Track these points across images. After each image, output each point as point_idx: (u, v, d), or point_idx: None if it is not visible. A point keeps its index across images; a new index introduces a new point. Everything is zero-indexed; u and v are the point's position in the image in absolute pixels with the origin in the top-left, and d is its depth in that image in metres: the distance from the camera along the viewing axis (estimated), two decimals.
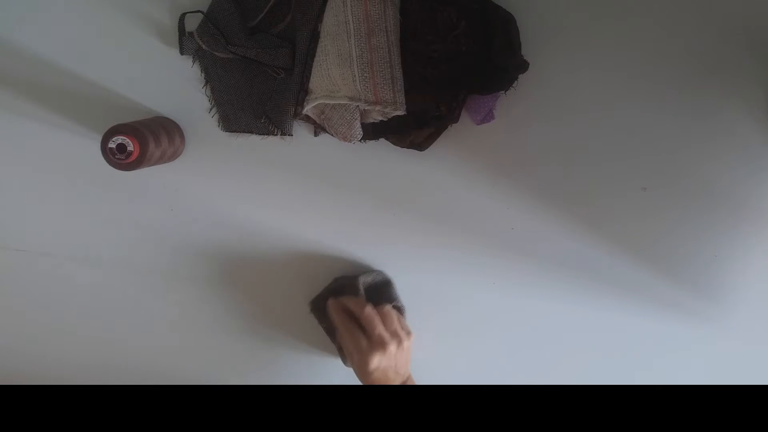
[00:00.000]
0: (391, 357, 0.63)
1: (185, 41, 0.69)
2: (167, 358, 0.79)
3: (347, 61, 0.64)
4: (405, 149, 0.72)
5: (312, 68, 0.67)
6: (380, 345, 0.63)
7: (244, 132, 0.72)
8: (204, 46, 0.68)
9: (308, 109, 0.67)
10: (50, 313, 0.78)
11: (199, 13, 0.68)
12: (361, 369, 0.63)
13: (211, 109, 0.72)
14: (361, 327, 0.65)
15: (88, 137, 0.72)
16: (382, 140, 0.72)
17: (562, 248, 0.75)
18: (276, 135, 0.72)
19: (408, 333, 0.67)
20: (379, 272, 0.74)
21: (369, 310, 0.66)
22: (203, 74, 0.71)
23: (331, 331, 0.73)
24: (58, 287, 0.77)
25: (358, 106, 0.65)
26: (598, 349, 0.78)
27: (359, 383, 0.66)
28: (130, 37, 0.70)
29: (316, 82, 0.67)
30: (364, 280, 0.71)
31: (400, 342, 0.65)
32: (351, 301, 0.68)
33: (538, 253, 0.75)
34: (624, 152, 0.72)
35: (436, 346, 0.76)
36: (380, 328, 0.65)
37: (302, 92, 0.69)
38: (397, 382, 0.64)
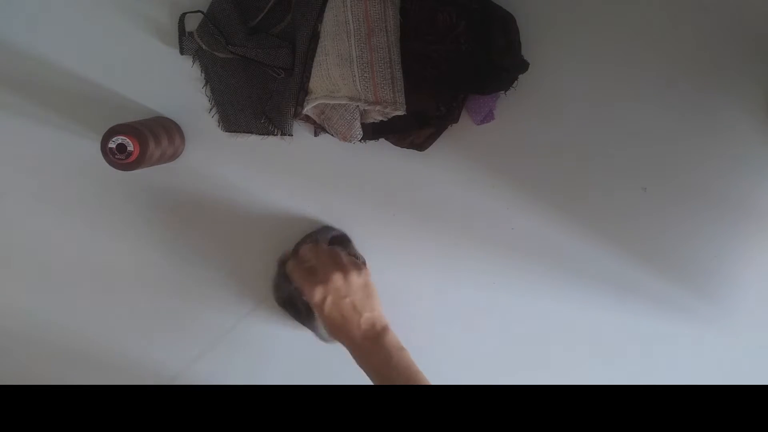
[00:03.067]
0: (338, 289, 0.64)
1: (185, 41, 0.69)
2: (168, 354, 0.79)
3: (347, 61, 0.64)
4: (405, 149, 0.72)
5: (312, 68, 0.67)
6: (317, 277, 0.63)
7: (244, 132, 0.72)
8: (204, 46, 0.68)
9: (308, 109, 0.67)
10: (47, 315, 0.78)
11: (199, 13, 0.68)
12: (315, 308, 0.64)
13: (211, 109, 0.72)
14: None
15: (88, 137, 0.72)
16: (382, 140, 0.72)
17: (562, 248, 0.75)
18: (276, 135, 0.72)
19: (359, 267, 0.67)
20: (338, 230, 0.74)
21: (304, 248, 0.67)
22: (203, 74, 0.71)
23: (305, 316, 0.72)
24: (58, 288, 0.77)
25: (358, 106, 0.65)
26: (598, 348, 0.78)
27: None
28: (130, 37, 0.70)
29: (316, 82, 0.67)
30: (321, 236, 0.71)
31: (345, 273, 0.64)
32: (295, 252, 0.67)
33: (537, 253, 0.75)
34: (624, 152, 0.72)
35: (435, 345, 0.76)
36: (313, 261, 0.65)
37: (302, 92, 0.69)
38: (358, 321, 0.64)
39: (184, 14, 0.69)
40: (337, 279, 0.64)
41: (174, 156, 0.72)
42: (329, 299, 0.63)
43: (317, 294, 0.63)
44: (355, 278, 0.65)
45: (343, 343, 0.65)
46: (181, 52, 0.70)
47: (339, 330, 0.64)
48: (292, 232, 0.75)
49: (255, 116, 0.71)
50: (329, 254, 0.67)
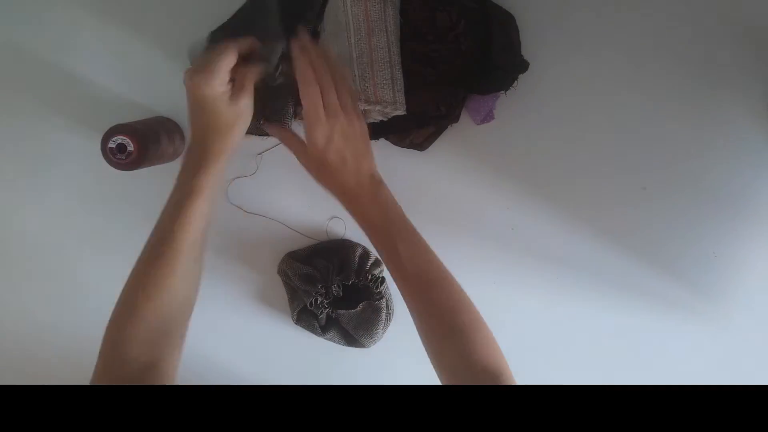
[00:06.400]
0: (343, 132, 0.57)
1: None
2: None
3: (347, 61, 0.64)
4: (405, 149, 0.72)
5: None
6: (321, 108, 0.56)
7: None
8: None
9: None
10: (46, 315, 0.78)
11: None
12: (312, 148, 0.57)
13: None
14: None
15: (88, 137, 0.72)
16: (382, 140, 0.72)
17: (562, 248, 0.75)
18: None
19: (359, 113, 0.60)
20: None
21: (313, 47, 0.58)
22: None
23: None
24: (57, 288, 0.77)
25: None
26: (598, 348, 0.78)
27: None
28: (130, 37, 0.70)
29: None
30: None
31: (348, 115, 0.57)
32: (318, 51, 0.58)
33: (538, 253, 0.75)
34: (624, 152, 0.72)
35: None
36: (320, 74, 0.56)
37: None
38: (357, 169, 0.58)
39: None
40: (342, 120, 0.57)
41: (174, 156, 0.72)
42: (334, 144, 0.56)
43: (320, 134, 0.56)
44: (358, 124, 0.59)
45: (334, 189, 0.59)
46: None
47: (334, 175, 0.58)
48: (293, 230, 0.75)
49: (255, 117, 0.71)
50: (341, 78, 0.58)
